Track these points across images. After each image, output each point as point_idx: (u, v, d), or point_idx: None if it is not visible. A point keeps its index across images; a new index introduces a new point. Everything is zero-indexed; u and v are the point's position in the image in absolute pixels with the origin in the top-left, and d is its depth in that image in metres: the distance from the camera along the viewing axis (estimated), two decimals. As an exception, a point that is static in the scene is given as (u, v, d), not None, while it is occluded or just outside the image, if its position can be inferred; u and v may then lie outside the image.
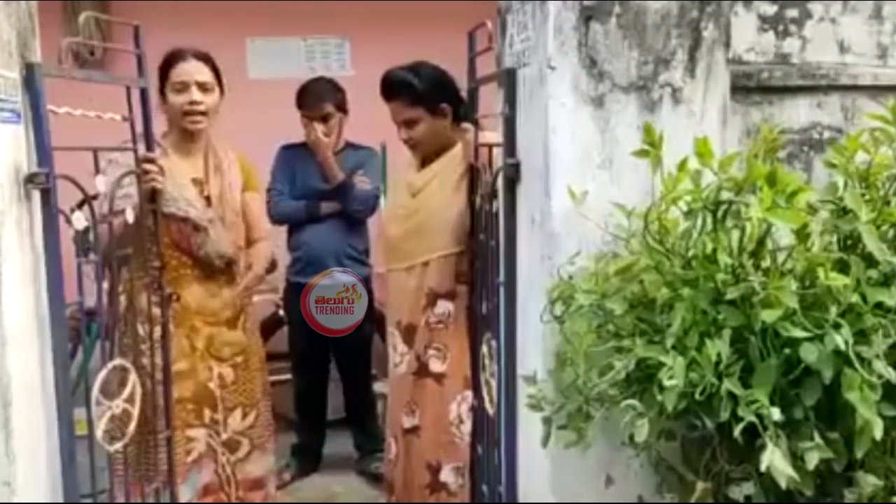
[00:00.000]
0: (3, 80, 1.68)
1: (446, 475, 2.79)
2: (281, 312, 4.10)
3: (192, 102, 2.61)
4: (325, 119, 3.59)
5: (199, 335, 2.68)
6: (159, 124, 2.46)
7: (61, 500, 1.86)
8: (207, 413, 2.70)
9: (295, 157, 3.70)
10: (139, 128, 2.19)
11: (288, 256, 3.80)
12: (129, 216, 2.13)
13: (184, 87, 2.61)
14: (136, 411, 2.08)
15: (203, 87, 2.64)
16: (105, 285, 2.14)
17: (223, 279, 2.77)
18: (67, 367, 1.87)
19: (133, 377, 2.07)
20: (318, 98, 3.61)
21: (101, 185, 2.00)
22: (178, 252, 2.63)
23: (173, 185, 2.54)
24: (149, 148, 2.28)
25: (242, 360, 2.79)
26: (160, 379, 2.34)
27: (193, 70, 2.63)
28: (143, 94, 2.21)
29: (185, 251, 2.65)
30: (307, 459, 3.89)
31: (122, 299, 2.25)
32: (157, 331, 2.35)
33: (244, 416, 2.80)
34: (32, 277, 1.80)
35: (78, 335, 3.10)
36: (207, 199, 2.70)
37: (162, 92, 2.63)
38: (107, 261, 2.11)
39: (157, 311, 2.37)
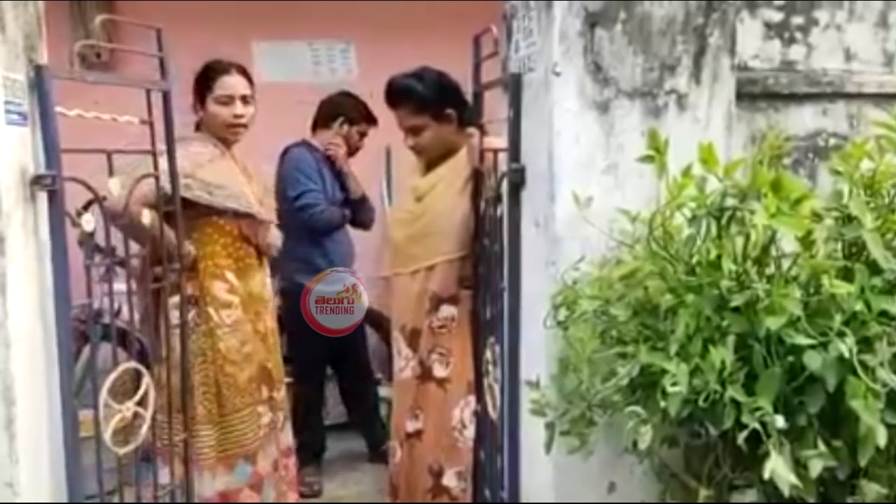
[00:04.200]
0: (9, 82, 1.68)
1: (449, 479, 2.79)
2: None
3: (238, 116, 2.74)
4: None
5: (261, 320, 2.84)
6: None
7: (65, 501, 1.86)
8: (265, 391, 2.85)
9: (316, 160, 3.70)
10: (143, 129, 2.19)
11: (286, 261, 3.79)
12: (146, 218, 2.15)
13: (230, 101, 2.73)
14: (148, 414, 2.09)
15: (245, 101, 2.77)
16: (121, 287, 2.17)
17: (267, 270, 2.97)
18: (72, 369, 1.88)
19: (146, 380, 2.08)
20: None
21: (114, 187, 2.00)
22: (247, 244, 2.79)
23: (233, 182, 2.71)
24: (170, 151, 2.28)
25: (274, 341, 2.95)
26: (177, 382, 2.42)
27: (237, 84, 2.76)
28: (166, 97, 2.22)
29: (253, 244, 2.81)
30: (313, 464, 3.88)
31: (138, 301, 2.32)
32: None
33: (278, 391, 2.97)
34: (38, 279, 1.80)
35: (84, 337, 3.11)
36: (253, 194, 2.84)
37: (201, 100, 2.74)
38: (123, 263, 2.14)
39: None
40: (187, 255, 2.50)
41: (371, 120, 3.75)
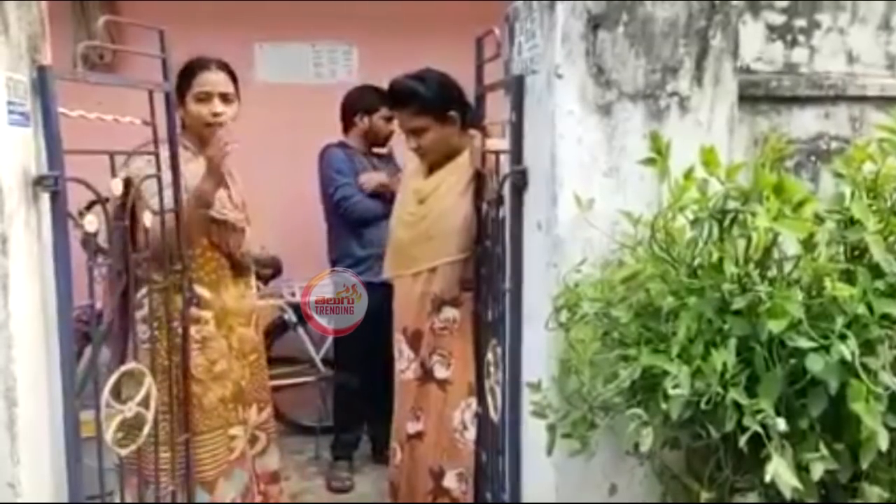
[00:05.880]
0: (12, 82, 1.69)
1: (449, 481, 2.78)
2: (286, 317, 4.11)
3: (216, 114, 2.62)
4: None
5: (234, 335, 2.72)
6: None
7: (66, 502, 1.86)
8: (242, 411, 2.75)
9: (349, 157, 3.76)
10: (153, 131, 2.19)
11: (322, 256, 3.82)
12: (147, 220, 2.15)
13: (207, 98, 2.62)
14: (150, 415, 2.09)
15: (225, 98, 2.65)
16: (121, 288, 2.17)
17: (248, 280, 2.82)
18: (74, 369, 1.88)
19: (148, 380, 2.08)
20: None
21: (116, 188, 2.00)
22: (218, 254, 2.66)
23: None
24: (172, 152, 2.28)
25: (255, 358, 2.83)
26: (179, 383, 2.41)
27: (217, 81, 2.64)
28: (168, 98, 2.21)
29: (224, 253, 2.68)
30: (351, 460, 3.92)
31: (143, 302, 2.30)
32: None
33: (259, 411, 2.84)
34: (40, 279, 1.80)
35: (86, 337, 3.12)
36: (230, 200, 2.73)
37: (181, 98, 2.62)
38: (125, 264, 2.13)
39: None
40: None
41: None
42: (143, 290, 2.32)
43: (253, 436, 2.83)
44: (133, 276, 2.09)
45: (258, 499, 2.82)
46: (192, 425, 2.48)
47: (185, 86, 2.62)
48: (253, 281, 2.88)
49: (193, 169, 2.56)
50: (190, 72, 2.63)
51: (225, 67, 2.69)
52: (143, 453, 2.17)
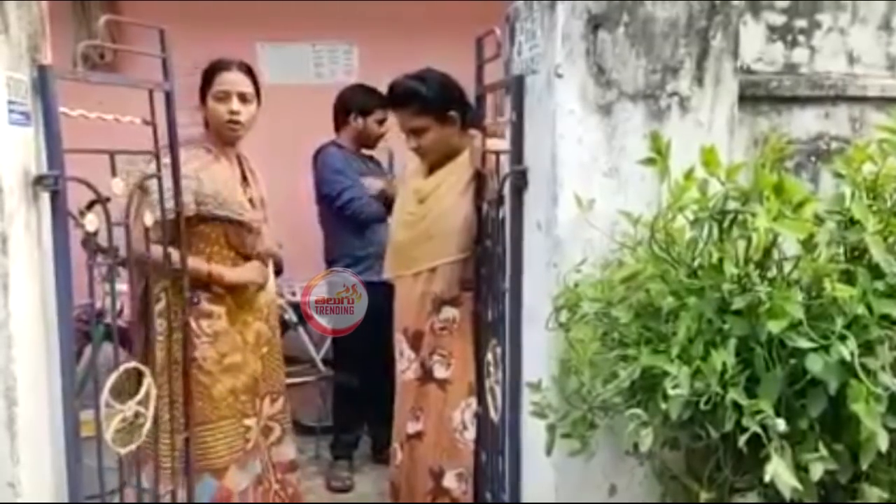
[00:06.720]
0: (13, 82, 1.69)
1: (449, 481, 2.78)
2: (286, 316, 4.10)
3: (232, 112, 2.68)
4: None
5: (250, 330, 2.77)
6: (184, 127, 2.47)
7: (66, 501, 1.86)
8: (257, 403, 2.80)
9: (346, 158, 3.76)
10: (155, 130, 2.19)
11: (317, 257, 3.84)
12: (148, 220, 2.16)
13: (225, 97, 2.67)
14: (149, 413, 2.09)
15: (243, 98, 2.70)
16: (123, 287, 2.17)
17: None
18: (74, 369, 1.88)
19: (147, 380, 2.09)
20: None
21: (117, 188, 2.01)
22: (235, 254, 2.73)
23: (224, 189, 2.64)
24: (173, 152, 2.30)
25: (268, 351, 2.87)
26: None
27: (236, 80, 2.70)
28: (168, 97, 2.22)
29: (241, 253, 2.74)
30: (351, 460, 3.92)
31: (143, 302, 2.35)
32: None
33: (273, 402, 2.90)
34: (40, 279, 1.80)
35: (86, 336, 3.12)
36: (251, 201, 2.77)
37: (203, 98, 2.71)
38: (126, 263, 2.14)
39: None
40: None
41: (384, 103, 3.65)
42: (156, 289, 2.40)
43: (267, 426, 2.87)
44: (143, 275, 2.12)
45: (276, 487, 2.87)
46: (200, 417, 2.55)
47: (206, 86, 2.70)
48: (272, 279, 2.92)
49: (213, 174, 2.62)
50: (211, 73, 2.71)
51: (246, 69, 2.75)
52: (144, 449, 2.18)
